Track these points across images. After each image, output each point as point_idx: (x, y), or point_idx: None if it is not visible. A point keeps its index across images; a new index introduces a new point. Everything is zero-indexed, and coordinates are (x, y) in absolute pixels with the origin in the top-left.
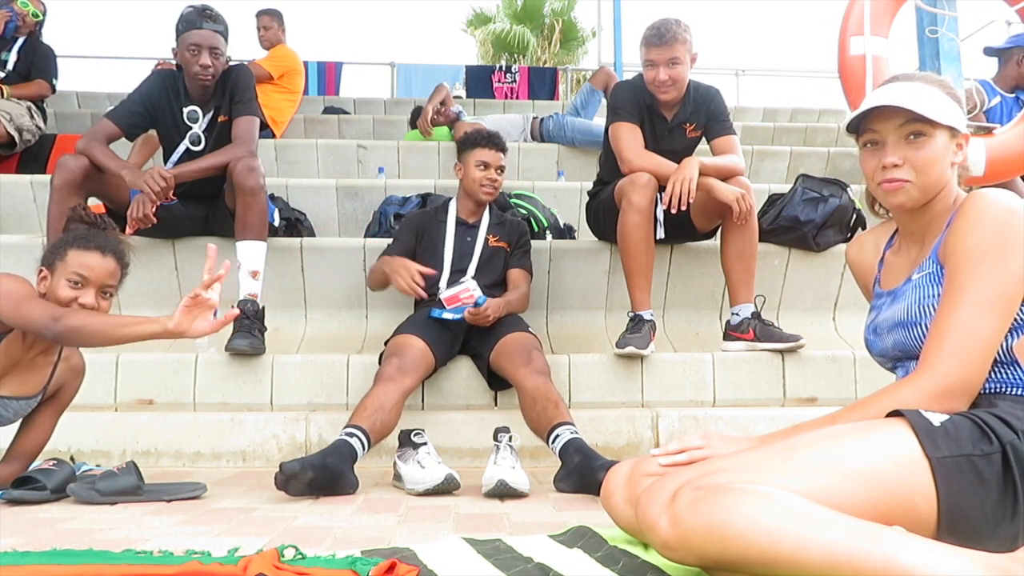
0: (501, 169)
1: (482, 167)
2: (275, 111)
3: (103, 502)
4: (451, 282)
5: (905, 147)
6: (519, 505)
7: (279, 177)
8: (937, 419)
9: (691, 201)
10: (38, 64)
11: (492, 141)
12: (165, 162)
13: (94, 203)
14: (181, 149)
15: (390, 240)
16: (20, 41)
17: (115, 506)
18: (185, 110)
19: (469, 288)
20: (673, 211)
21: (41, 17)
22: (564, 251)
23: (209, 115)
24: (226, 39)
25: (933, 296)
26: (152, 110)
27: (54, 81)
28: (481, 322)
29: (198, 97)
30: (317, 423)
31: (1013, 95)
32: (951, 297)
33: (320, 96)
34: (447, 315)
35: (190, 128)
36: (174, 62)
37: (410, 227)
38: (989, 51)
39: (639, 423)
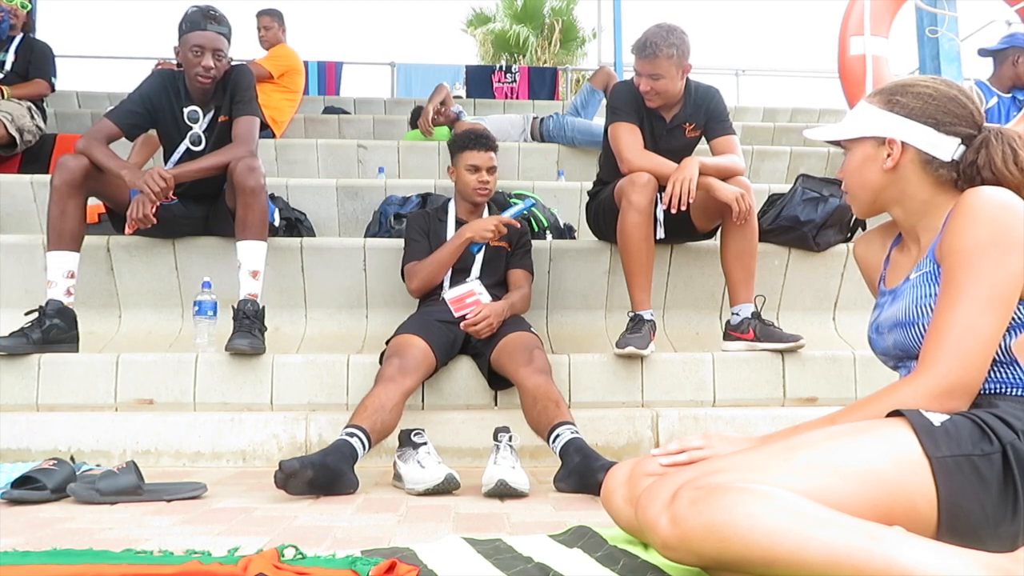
0: (492, 169)
1: (473, 170)
2: (275, 111)
3: (103, 502)
4: (454, 282)
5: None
6: (519, 505)
7: (279, 177)
8: (937, 419)
9: (691, 201)
10: (36, 63)
11: (480, 142)
12: (165, 162)
13: (94, 203)
14: (181, 149)
15: (388, 239)
16: (17, 40)
17: (115, 506)
18: (185, 110)
19: (475, 291)
20: (673, 211)
21: (30, 6)
22: (564, 251)
23: (209, 115)
24: (229, 40)
25: (930, 296)
26: (152, 110)
27: (53, 80)
28: (477, 333)
29: (198, 97)
30: (317, 423)
31: (1010, 95)
32: (949, 296)
33: (320, 96)
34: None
35: (190, 128)
36: (175, 62)
37: (419, 228)
38: (983, 52)
39: (639, 423)
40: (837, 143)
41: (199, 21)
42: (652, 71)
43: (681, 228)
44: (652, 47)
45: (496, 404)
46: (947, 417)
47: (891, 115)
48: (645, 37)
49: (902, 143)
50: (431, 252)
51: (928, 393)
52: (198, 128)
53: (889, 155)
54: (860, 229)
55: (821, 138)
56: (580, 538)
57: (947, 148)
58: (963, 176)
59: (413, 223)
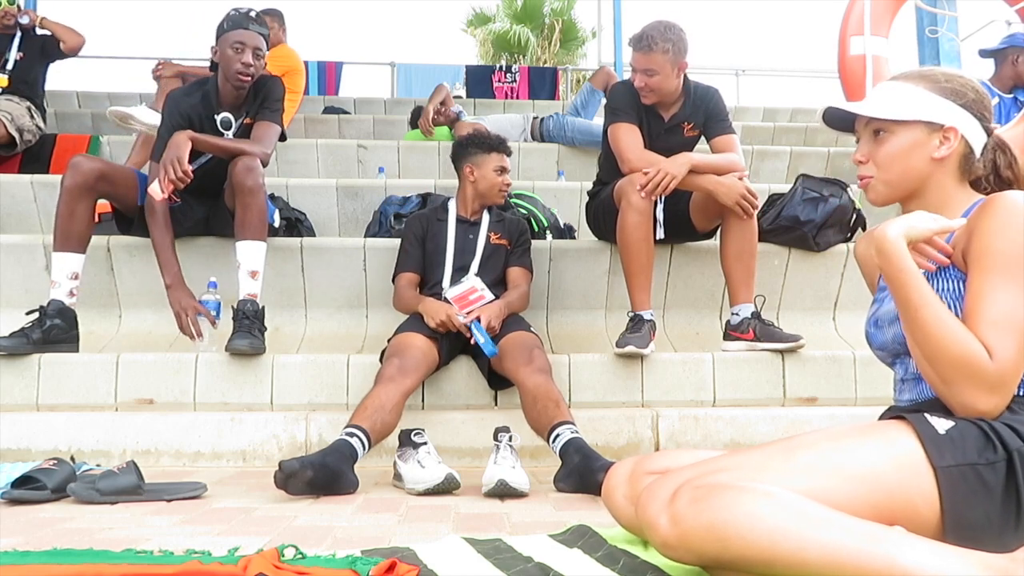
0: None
1: (500, 172)
2: None
3: (103, 502)
4: (453, 280)
5: (872, 144)
6: (519, 505)
7: (279, 177)
8: (943, 426)
9: (664, 195)
10: (47, 50)
11: (505, 146)
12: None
13: (102, 203)
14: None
15: (388, 239)
16: (17, 38)
17: (115, 506)
18: (218, 117)
19: (476, 288)
20: (643, 196)
21: None
22: (564, 251)
23: (240, 120)
24: (267, 44)
25: (936, 291)
26: (189, 123)
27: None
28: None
29: (230, 102)
30: (317, 423)
31: (1011, 95)
32: (996, 293)
33: (320, 96)
34: (482, 342)
35: (223, 135)
36: (188, 63)
37: (414, 235)
38: (984, 53)
39: (639, 423)
40: (849, 126)
41: (242, 21)
42: (647, 66)
43: (681, 228)
44: (648, 41)
45: (496, 404)
46: (952, 424)
47: (948, 102)
48: (642, 32)
49: (960, 134)
50: (424, 260)
51: (987, 383)
52: (230, 134)
53: (944, 143)
54: (860, 229)
55: (863, 112)
56: (580, 538)
57: (981, 145)
58: (989, 175)
59: (409, 229)
